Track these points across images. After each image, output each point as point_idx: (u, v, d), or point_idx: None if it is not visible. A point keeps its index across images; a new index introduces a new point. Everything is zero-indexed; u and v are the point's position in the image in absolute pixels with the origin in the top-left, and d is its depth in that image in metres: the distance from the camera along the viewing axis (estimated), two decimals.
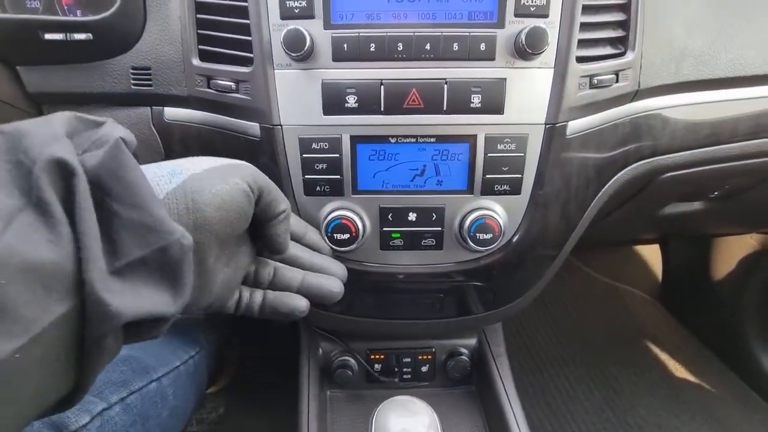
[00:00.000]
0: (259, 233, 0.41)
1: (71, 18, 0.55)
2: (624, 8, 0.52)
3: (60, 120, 0.30)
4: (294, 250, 0.47)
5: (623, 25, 0.52)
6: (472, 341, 0.76)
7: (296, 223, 0.50)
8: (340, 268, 0.49)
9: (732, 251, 1.17)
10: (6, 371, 0.23)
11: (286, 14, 0.47)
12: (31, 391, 0.25)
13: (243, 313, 0.44)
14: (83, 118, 0.31)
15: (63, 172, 0.26)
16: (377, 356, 0.74)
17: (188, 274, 0.30)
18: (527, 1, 0.47)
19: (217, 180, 0.35)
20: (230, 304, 0.42)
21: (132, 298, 0.27)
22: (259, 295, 0.44)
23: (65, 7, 0.58)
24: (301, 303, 0.44)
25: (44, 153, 0.25)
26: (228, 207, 0.34)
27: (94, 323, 0.25)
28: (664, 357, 1.19)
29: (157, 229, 0.28)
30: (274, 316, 0.44)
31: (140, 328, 0.29)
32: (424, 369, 0.75)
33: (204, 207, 0.33)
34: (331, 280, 0.46)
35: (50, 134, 0.27)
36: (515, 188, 0.53)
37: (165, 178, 0.33)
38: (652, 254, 1.43)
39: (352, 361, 0.73)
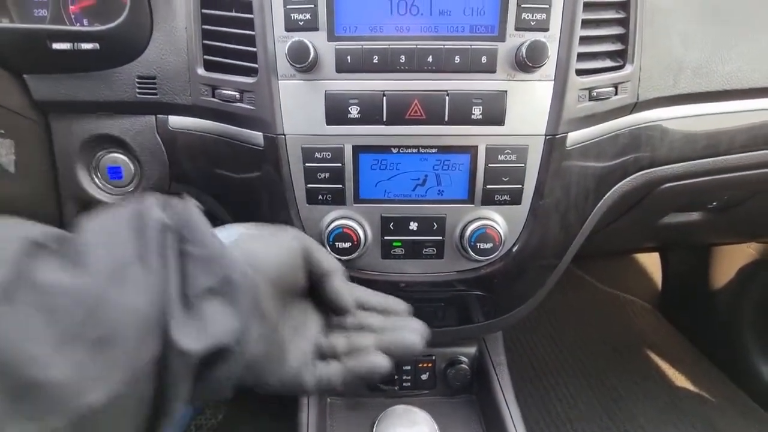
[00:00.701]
0: (320, 297, 0.43)
1: (79, 28, 0.56)
2: (623, 22, 0.53)
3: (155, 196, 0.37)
4: (363, 316, 0.44)
5: (622, 38, 0.53)
6: (472, 350, 0.76)
7: (360, 292, 0.46)
8: (418, 325, 0.44)
9: (731, 260, 1.17)
10: (107, 412, 0.26)
11: (291, 26, 0.48)
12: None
13: (324, 387, 0.42)
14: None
15: (162, 228, 0.32)
16: None
17: (250, 303, 0.33)
18: (528, 15, 0.47)
19: (265, 232, 0.40)
20: (307, 378, 0.41)
21: (200, 332, 0.30)
22: (336, 365, 0.42)
23: (72, 17, 0.58)
24: (381, 360, 0.41)
25: (152, 219, 0.32)
26: (277, 253, 0.38)
27: (172, 364, 0.29)
28: (663, 366, 1.19)
29: (221, 260, 0.33)
30: (357, 381, 0.42)
31: (211, 371, 0.32)
32: (424, 377, 0.75)
33: (255, 253, 0.37)
34: (408, 332, 0.43)
35: (151, 207, 0.33)
36: (515, 198, 0.53)
37: (222, 234, 0.38)
38: (651, 263, 1.43)
39: None
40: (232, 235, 0.39)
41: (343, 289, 0.42)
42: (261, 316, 0.36)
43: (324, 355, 0.43)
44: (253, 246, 0.38)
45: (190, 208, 0.35)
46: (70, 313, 0.26)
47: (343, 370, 0.42)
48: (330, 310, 0.44)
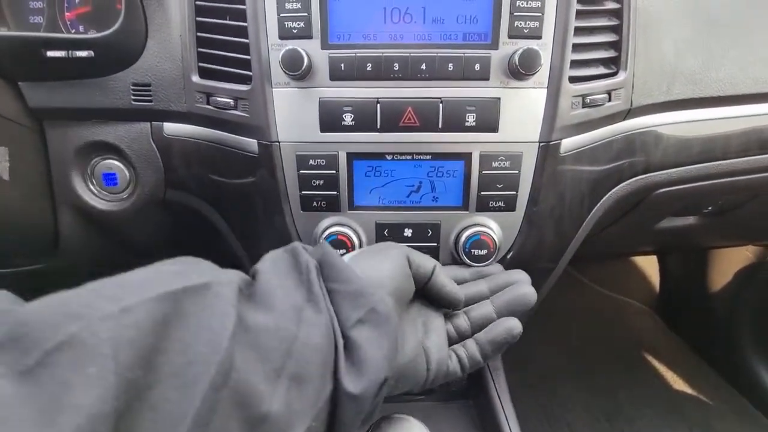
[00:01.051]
0: (431, 298, 0.47)
1: (73, 35, 0.56)
2: (616, 29, 0.53)
3: (299, 244, 0.41)
4: (467, 289, 0.50)
5: (615, 45, 0.53)
6: None
7: (455, 271, 0.53)
8: (520, 274, 0.50)
9: (728, 263, 1.17)
10: None
11: (285, 34, 0.48)
12: None
13: (470, 369, 0.47)
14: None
15: (316, 271, 0.37)
16: None
17: (393, 327, 0.36)
18: (521, 23, 0.48)
19: (373, 250, 0.45)
20: (452, 366, 0.46)
21: (359, 376, 0.33)
22: (471, 343, 0.47)
23: (68, 23, 0.59)
24: (513, 322, 0.47)
25: (311, 264, 0.36)
26: (385, 267, 0.42)
27: (342, 404, 0.33)
28: (661, 369, 1.19)
29: (364, 293, 0.36)
30: (497, 350, 0.47)
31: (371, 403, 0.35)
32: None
33: (369, 271, 0.40)
34: (517, 287, 0.49)
35: (305, 254, 0.37)
36: (510, 205, 0.53)
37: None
38: (649, 265, 1.43)
39: None
40: (346, 258, 0.42)
41: (447, 283, 0.46)
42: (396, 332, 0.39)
43: (456, 339, 0.47)
44: (369, 264, 0.41)
45: (328, 248, 0.39)
46: (274, 350, 0.30)
47: (480, 344, 0.47)
48: (444, 307, 0.48)
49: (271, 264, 0.37)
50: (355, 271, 0.38)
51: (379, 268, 0.41)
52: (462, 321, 0.48)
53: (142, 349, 0.24)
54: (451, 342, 0.47)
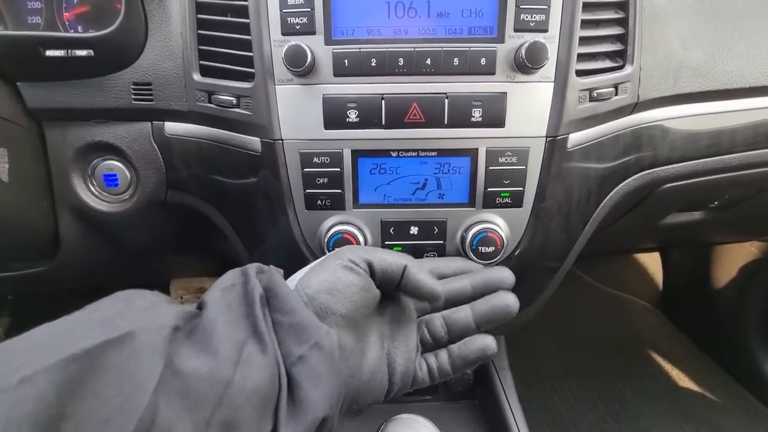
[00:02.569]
0: (410, 295, 0.44)
1: (72, 34, 0.55)
2: (622, 22, 0.52)
3: (251, 267, 0.39)
4: (448, 286, 0.47)
5: (622, 38, 0.53)
6: None
7: (436, 264, 0.50)
8: (504, 272, 0.48)
9: (733, 259, 1.16)
10: None
11: (288, 30, 0.48)
12: None
13: (440, 379, 0.45)
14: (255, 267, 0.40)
15: (262, 300, 0.35)
16: None
17: (336, 360, 0.35)
18: (527, 17, 0.47)
19: (318, 270, 0.40)
20: (421, 376, 0.44)
21: (299, 416, 0.32)
22: (444, 353, 0.45)
23: (66, 23, 0.58)
24: (487, 340, 0.45)
25: (257, 294, 0.34)
26: (337, 287, 0.39)
27: None
28: (667, 367, 1.18)
29: (310, 327, 0.34)
30: (468, 366, 0.45)
31: None
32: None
33: (316, 295, 0.38)
34: (500, 296, 0.46)
35: (254, 280, 0.36)
36: (517, 201, 0.53)
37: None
38: (652, 262, 1.43)
39: None
40: (292, 280, 0.40)
41: (423, 278, 0.42)
42: (346, 363, 0.38)
43: (430, 346, 0.45)
44: (309, 285, 0.38)
45: (274, 273, 0.37)
46: (204, 396, 0.29)
47: (452, 357, 0.45)
48: (423, 302, 0.45)
49: (220, 294, 0.35)
50: (301, 299, 0.36)
51: (331, 287, 0.38)
52: (438, 327, 0.45)
53: (42, 422, 0.23)
54: (425, 348, 0.45)
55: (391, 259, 0.41)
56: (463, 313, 0.45)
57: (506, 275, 0.47)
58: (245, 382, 0.30)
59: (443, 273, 0.49)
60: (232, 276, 0.38)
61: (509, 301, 0.45)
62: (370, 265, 0.40)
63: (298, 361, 0.33)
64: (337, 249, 0.44)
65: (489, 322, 0.45)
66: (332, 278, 0.39)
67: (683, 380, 1.14)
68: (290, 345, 0.34)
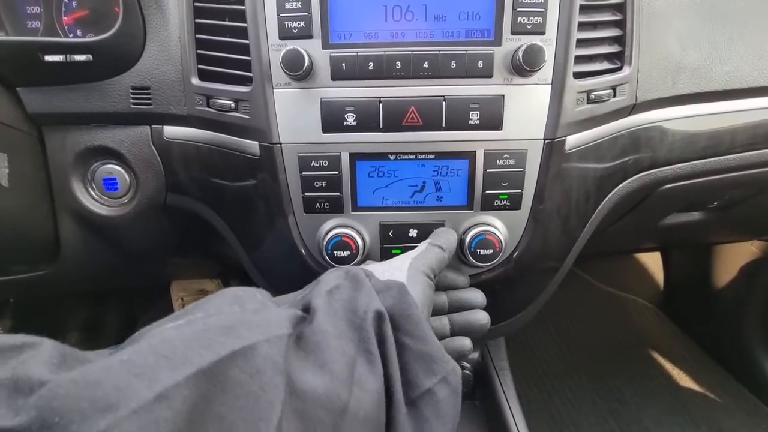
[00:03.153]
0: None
1: (71, 39, 0.55)
2: (619, 24, 0.52)
3: (364, 274, 0.38)
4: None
5: (619, 40, 0.53)
6: (475, 355, 0.76)
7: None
8: (479, 295, 0.50)
9: (733, 259, 1.16)
10: None
11: (285, 34, 0.48)
12: None
13: None
14: (362, 271, 0.39)
15: (379, 320, 0.33)
16: None
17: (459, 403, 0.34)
18: (524, 19, 0.47)
19: (412, 283, 0.40)
20: None
21: None
22: None
23: (66, 27, 0.58)
24: (465, 341, 0.48)
25: (370, 309, 0.33)
26: (427, 303, 0.40)
27: None
28: (668, 366, 1.18)
29: (440, 359, 0.33)
30: None
31: None
32: None
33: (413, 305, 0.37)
34: (474, 313, 0.49)
35: (369, 292, 0.34)
36: (515, 203, 0.53)
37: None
38: (653, 262, 1.42)
39: None
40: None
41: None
42: None
43: None
44: (420, 303, 0.38)
45: (406, 295, 0.35)
46: (321, 422, 0.28)
47: None
48: None
49: (327, 298, 0.34)
50: (430, 326, 0.35)
51: (425, 304, 0.39)
52: None
53: None
54: None
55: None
56: (441, 322, 0.48)
57: (478, 297, 0.51)
58: (358, 408, 0.29)
59: (440, 281, 0.51)
60: (336, 276, 0.37)
61: (481, 319, 0.49)
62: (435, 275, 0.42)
63: (426, 394, 0.32)
64: (408, 253, 0.45)
65: (463, 333, 0.49)
66: (425, 295, 0.40)
67: (684, 380, 1.14)
68: (417, 374, 0.32)
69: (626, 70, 0.53)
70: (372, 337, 0.32)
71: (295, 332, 0.30)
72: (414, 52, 0.48)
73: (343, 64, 0.48)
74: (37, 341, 0.25)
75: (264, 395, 0.26)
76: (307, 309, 0.34)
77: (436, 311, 0.49)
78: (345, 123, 0.49)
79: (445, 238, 0.49)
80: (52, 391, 0.21)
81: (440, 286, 0.51)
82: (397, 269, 0.41)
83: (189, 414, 0.23)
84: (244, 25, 0.49)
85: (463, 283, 0.53)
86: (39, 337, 0.26)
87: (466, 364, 0.74)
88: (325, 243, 0.53)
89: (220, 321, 0.28)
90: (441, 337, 0.48)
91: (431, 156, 0.52)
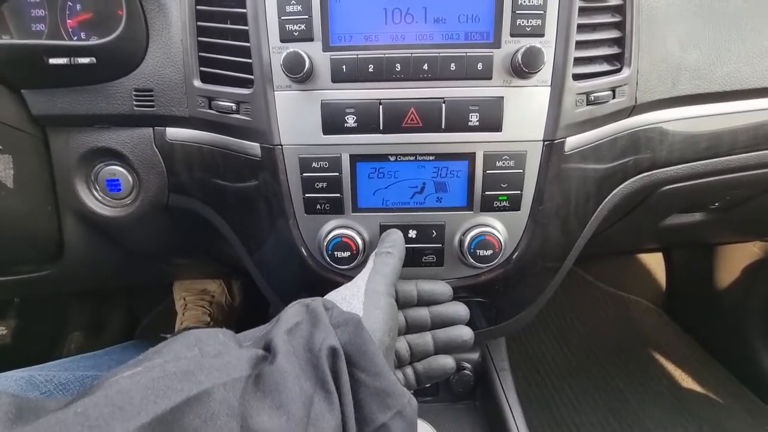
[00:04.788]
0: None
1: (75, 42, 0.56)
2: (619, 26, 0.52)
3: (324, 308, 0.37)
4: (412, 314, 0.50)
5: (618, 42, 0.53)
6: (475, 356, 0.76)
7: (406, 286, 0.51)
8: (461, 310, 0.50)
9: (735, 259, 1.16)
10: None
11: (286, 37, 0.48)
12: None
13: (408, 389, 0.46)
14: (321, 305, 0.38)
15: (334, 356, 0.33)
16: None
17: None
18: (523, 22, 0.47)
19: (371, 307, 0.40)
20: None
21: None
22: (409, 370, 0.48)
23: (70, 30, 0.59)
24: (447, 360, 0.49)
25: (324, 345, 0.33)
26: (391, 325, 0.41)
27: None
28: (669, 367, 1.18)
29: (394, 393, 0.33)
30: (432, 381, 0.49)
31: None
32: (427, 384, 0.75)
33: (383, 340, 0.38)
34: (457, 329, 0.50)
35: (325, 328, 0.34)
36: (515, 204, 0.53)
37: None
38: (655, 263, 1.42)
39: None
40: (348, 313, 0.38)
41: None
42: None
43: (395, 365, 0.48)
44: (381, 328, 0.39)
45: (362, 330, 0.35)
46: None
47: (418, 374, 0.48)
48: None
49: (287, 337, 0.34)
50: (384, 360, 0.35)
51: (389, 327, 0.40)
52: (404, 351, 0.48)
53: None
54: (396, 364, 0.48)
55: (404, 286, 0.47)
56: (424, 339, 0.49)
57: (460, 311, 0.50)
58: None
59: (411, 299, 0.51)
60: (296, 312, 0.37)
61: (465, 335, 0.49)
62: (396, 293, 0.43)
63: (380, 428, 0.32)
64: (361, 274, 0.45)
65: (446, 350, 0.49)
66: (388, 317, 0.40)
67: (686, 380, 1.14)
68: (372, 410, 0.32)
69: (626, 72, 0.53)
70: (327, 374, 0.32)
71: (253, 373, 0.31)
72: (414, 55, 0.48)
73: (344, 67, 0.48)
74: None
75: None
76: (268, 347, 0.34)
77: (419, 328, 0.49)
78: (345, 125, 0.50)
79: (391, 242, 0.49)
80: None
81: (422, 301, 0.50)
82: (354, 296, 0.42)
83: None
84: (246, 28, 0.49)
85: (445, 295, 0.51)
86: None
87: (467, 364, 0.75)
88: (325, 244, 0.53)
89: (177, 367, 0.29)
90: (425, 355, 0.49)
91: (431, 157, 0.52)
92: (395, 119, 0.50)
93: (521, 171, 0.51)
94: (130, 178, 0.60)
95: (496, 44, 0.48)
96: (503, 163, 0.51)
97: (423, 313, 0.50)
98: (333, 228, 0.53)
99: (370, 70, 0.48)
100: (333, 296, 0.43)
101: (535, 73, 0.48)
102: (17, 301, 1.02)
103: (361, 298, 0.41)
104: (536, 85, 0.49)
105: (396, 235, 0.51)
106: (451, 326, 0.50)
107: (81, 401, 0.25)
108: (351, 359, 0.34)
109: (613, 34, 0.52)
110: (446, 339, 0.49)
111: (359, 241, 0.53)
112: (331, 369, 0.33)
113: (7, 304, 1.01)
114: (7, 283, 0.66)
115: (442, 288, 0.51)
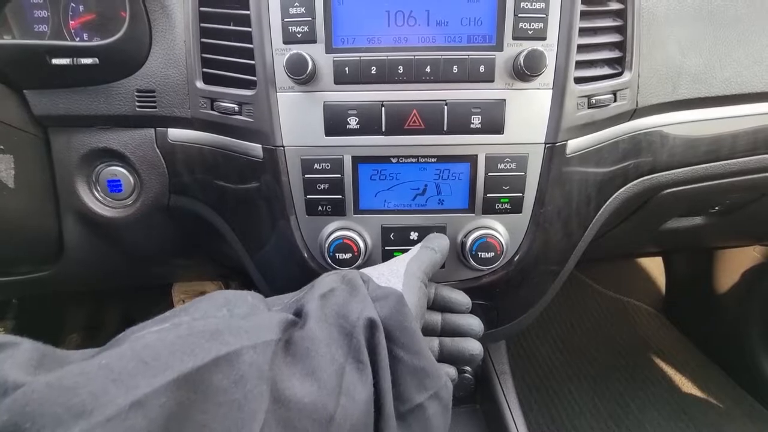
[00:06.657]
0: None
1: (78, 43, 0.56)
2: (620, 30, 0.53)
3: (362, 279, 0.36)
4: (427, 316, 0.47)
5: (620, 46, 0.53)
6: None
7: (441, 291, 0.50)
8: (476, 324, 0.48)
9: (735, 263, 1.16)
10: None
11: (289, 39, 0.48)
12: None
13: None
14: (359, 276, 0.37)
15: (371, 328, 0.32)
16: None
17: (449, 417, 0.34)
18: (525, 25, 0.47)
19: (408, 291, 0.39)
20: None
21: None
22: None
23: (72, 31, 0.59)
24: (450, 371, 0.46)
25: (362, 316, 0.32)
26: (423, 311, 0.40)
27: None
28: (669, 371, 1.18)
29: (433, 374, 0.32)
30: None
31: None
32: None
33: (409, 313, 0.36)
34: (467, 341, 0.46)
35: (363, 299, 0.33)
36: (516, 207, 0.53)
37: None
38: (655, 267, 1.42)
39: None
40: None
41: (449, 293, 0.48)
42: None
43: None
44: (415, 312, 0.37)
45: (404, 306, 0.34)
46: None
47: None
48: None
49: (320, 302, 0.33)
50: (424, 339, 0.34)
51: (420, 312, 0.38)
52: None
53: None
54: None
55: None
56: (431, 344, 0.46)
57: (474, 325, 0.48)
58: (345, 419, 0.28)
59: (436, 300, 0.49)
60: (332, 280, 0.36)
61: (474, 349, 0.46)
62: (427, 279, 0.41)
63: (416, 409, 0.32)
64: (403, 256, 0.44)
65: (451, 360, 0.46)
66: (422, 304, 0.39)
67: (686, 385, 1.14)
68: (409, 388, 0.32)
69: (627, 75, 0.53)
70: (362, 345, 0.31)
71: (284, 337, 0.30)
72: (416, 57, 0.48)
73: (346, 69, 0.48)
74: (17, 341, 0.25)
75: (247, 403, 0.25)
76: (299, 313, 0.33)
77: (427, 332, 0.47)
78: (347, 126, 0.50)
79: (438, 243, 0.48)
80: (26, 395, 0.21)
81: (437, 306, 0.49)
82: (393, 274, 0.41)
83: (166, 422, 0.22)
84: (249, 29, 0.49)
85: (462, 305, 0.49)
86: (18, 337, 0.25)
87: (467, 368, 0.74)
88: (326, 245, 0.53)
89: (206, 325, 0.28)
90: None
91: (433, 159, 0.52)
92: (397, 121, 0.50)
93: (523, 173, 0.52)
94: (131, 179, 0.60)
95: (498, 47, 0.48)
96: (505, 166, 0.51)
97: (435, 318, 0.48)
98: (334, 230, 0.53)
99: (373, 72, 0.48)
100: (369, 271, 0.41)
101: (537, 76, 0.48)
102: (15, 302, 1.02)
103: (401, 277, 0.40)
104: (538, 88, 0.49)
105: (444, 240, 0.49)
106: (460, 337, 0.47)
107: (106, 353, 0.24)
108: (390, 334, 0.33)
109: (614, 37, 0.53)
110: (453, 349, 0.46)
111: (361, 243, 0.53)
112: (368, 341, 0.31)
113: (5, 305, 1.01)
114: (7, 284, 0.66)
115: (461, 298, 0.49)
